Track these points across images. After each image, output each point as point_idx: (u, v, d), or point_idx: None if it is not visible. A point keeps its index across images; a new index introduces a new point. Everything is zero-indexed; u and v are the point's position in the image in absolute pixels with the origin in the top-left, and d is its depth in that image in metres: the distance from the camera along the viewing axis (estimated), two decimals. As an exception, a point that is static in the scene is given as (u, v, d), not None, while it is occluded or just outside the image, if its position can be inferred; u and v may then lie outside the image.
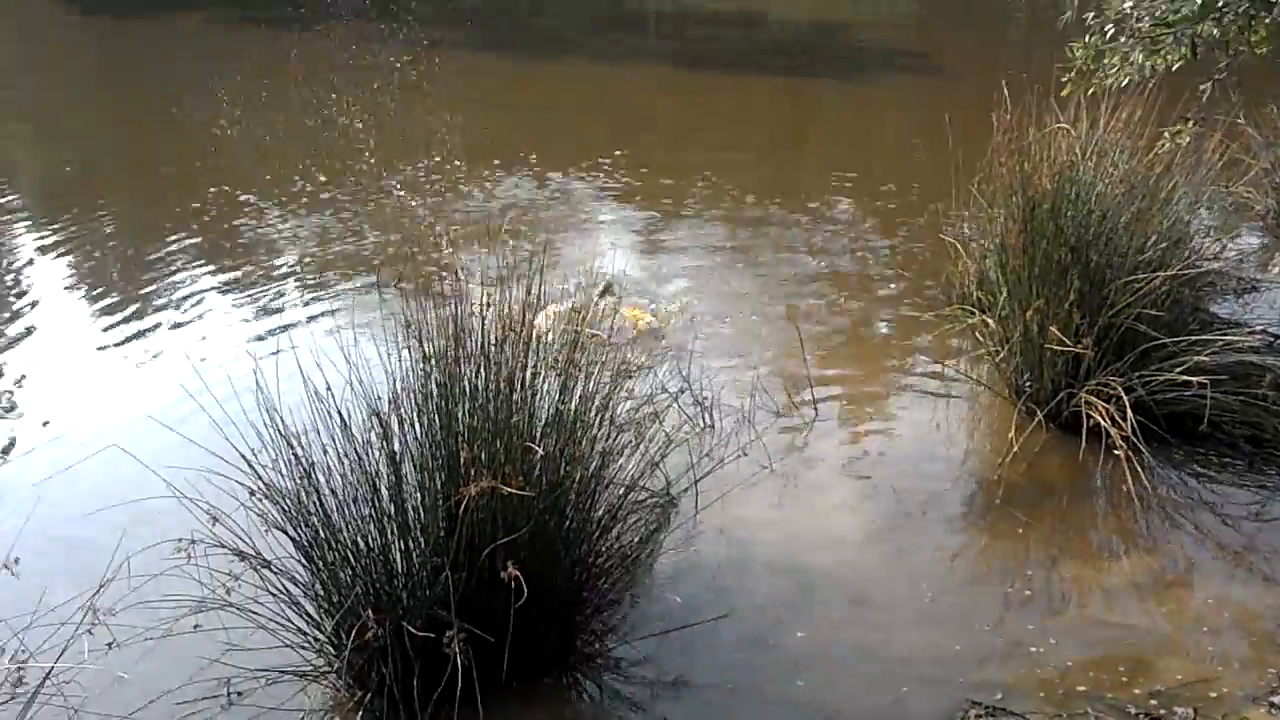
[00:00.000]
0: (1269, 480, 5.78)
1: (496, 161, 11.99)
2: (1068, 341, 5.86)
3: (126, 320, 8.02)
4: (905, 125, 14.59)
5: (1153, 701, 4.20)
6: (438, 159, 12.16)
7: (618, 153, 12.21)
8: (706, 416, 6.19)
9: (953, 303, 7.33)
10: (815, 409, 6.49)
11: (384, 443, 4.16)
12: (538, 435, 4.27)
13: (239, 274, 8.89)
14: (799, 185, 11.62)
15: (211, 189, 10.98)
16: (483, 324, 4.34)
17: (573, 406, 4.40)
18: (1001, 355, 6.48)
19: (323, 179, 11.45)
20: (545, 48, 20.29)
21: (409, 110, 15.28)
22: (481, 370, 4.24)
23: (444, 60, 18.25)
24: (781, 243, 9.64)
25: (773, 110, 15.87)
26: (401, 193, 11.01)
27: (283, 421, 4.16)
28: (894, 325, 7.91)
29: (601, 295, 8.09)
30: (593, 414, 4.46)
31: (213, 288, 8.61)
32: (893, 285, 8.51)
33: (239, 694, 4.15)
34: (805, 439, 6.21)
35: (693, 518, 5.21)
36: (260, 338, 7.54)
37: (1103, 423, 5.60)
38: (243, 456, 4.12)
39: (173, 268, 9.07)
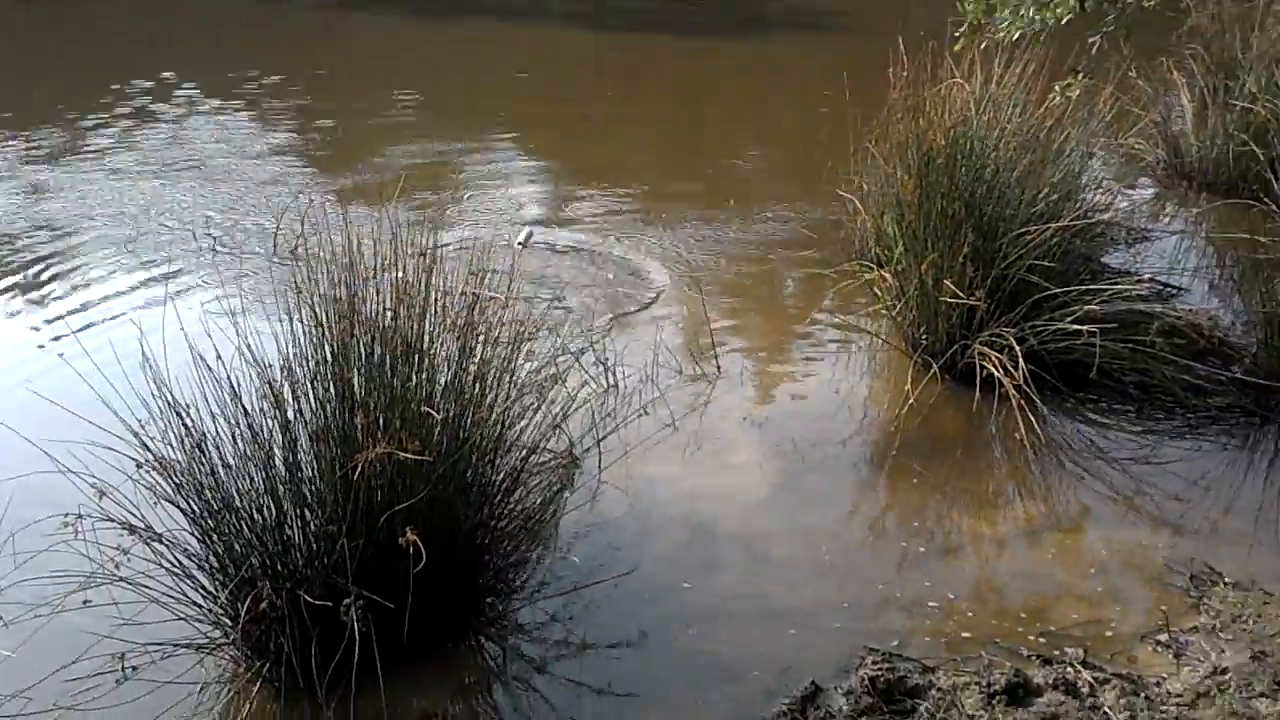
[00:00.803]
0: (1157, 425, 5.94)
1: (386, 122, 11.81)
2: (961, 294, 5.95)
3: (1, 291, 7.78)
4: (810, 83, 14.65)
5: (1043, 641, 4.30)
6: (329, 124, 11.95)
7: (515, 110, 12.10)
8: (609, 376, 6.19)
9: (851, 259, 7.41)
10: (718, 366, 6.52)
11: (277, 411, 4.08)
12: (437, 399, 4.23)
13: (120, 241, 8.65)
14: (701, 143, 11.64)
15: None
16: (377, 288, 4.28)
17: (472, 370, 4.37)
18: (898, 309, 6.57)
19: (210, 145, 11.19)
20: (434, 5, 19.98)
21: (291, 72, 14.94)
22: (376, 335, 4.18)
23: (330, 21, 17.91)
24: (682, 201, 9.64)
25: (675, 68, 15.85)
26: (293, 159, 10.81)
27: (170, 393, 4.07)
28: (794, 282, 7.98)
29: (524, 244, 8.12)
30: (492, 377, 4.43)
31: (92, 255, 8.37)
32: (793, 243, 8.56)
33: (133, 668, 4.05)
34: (708, 396, 6.25)
35: (596, 477, 5.22)
36: (145, 306, 7.31)
37: (996, 373, 5.71)
38: (129, 428, 4.01)
39: (49, 233, 8.79)
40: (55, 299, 7.58)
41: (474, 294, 4.60)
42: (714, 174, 10.16)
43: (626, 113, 12.52)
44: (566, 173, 10.68)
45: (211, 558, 4.05)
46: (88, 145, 11.44)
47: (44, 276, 7.95)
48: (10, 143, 11.57)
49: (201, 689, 4.05)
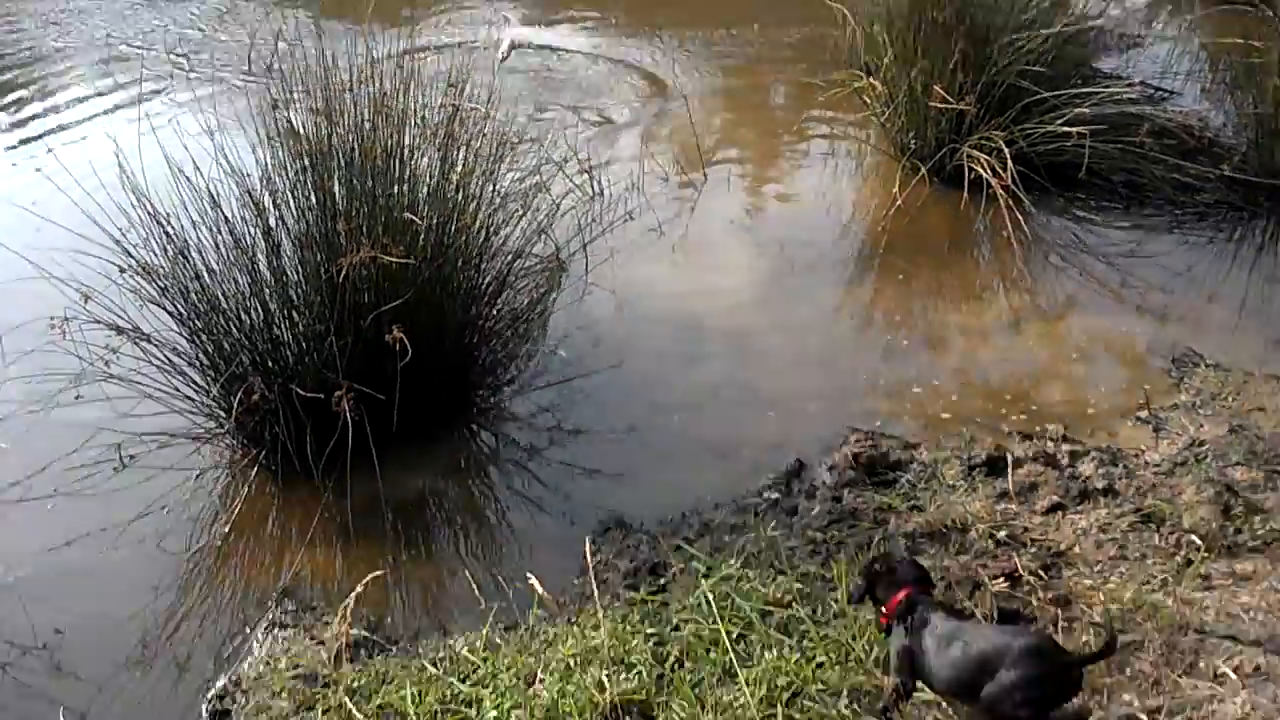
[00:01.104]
0: (1145, 221, 5.95)
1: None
2: (951, 99, 5.89)
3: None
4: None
5: (1025, 419, 4.38)
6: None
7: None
8: (594, 184, 6.14)
9: (841, 68, 7.28)
10: (705, 174, 6.48)
11: (258, 219, 4.07)
12: (421, 208, 4.21)
13: (94, 62, 8.47)
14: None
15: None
16: (354, 100, 4.23)
17: (454, 179, 4.34)
18: (887, 115, 6.50)
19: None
20: None
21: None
22: (355, 145, 4.14)
23: None
24: (670, 13, 9.43)
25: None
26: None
27: (150, 203, 4.04)
28: (783, 92, 7.90)
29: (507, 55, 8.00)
30: (475, 185, 4.41)
31: (66, 76, 8.22)
32: (783, 53, 8.41)
33: (131, 457, 4.13)
34: (694, 203, 6.23)
35: (583, 279, 5.23)
36: (121, 123, 7.04)
37: (984, 174, 5.69)
38: (111, 236, 4.00)
39: (24, 54, 8.63)
40: (32, 119, 7.50)
41: (454, 105, 4.55)
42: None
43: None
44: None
45: (201, 355, 4.09)
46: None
47: (18, 97, 7.85)
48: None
49: (199, 475, 4.14)
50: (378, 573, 3.40)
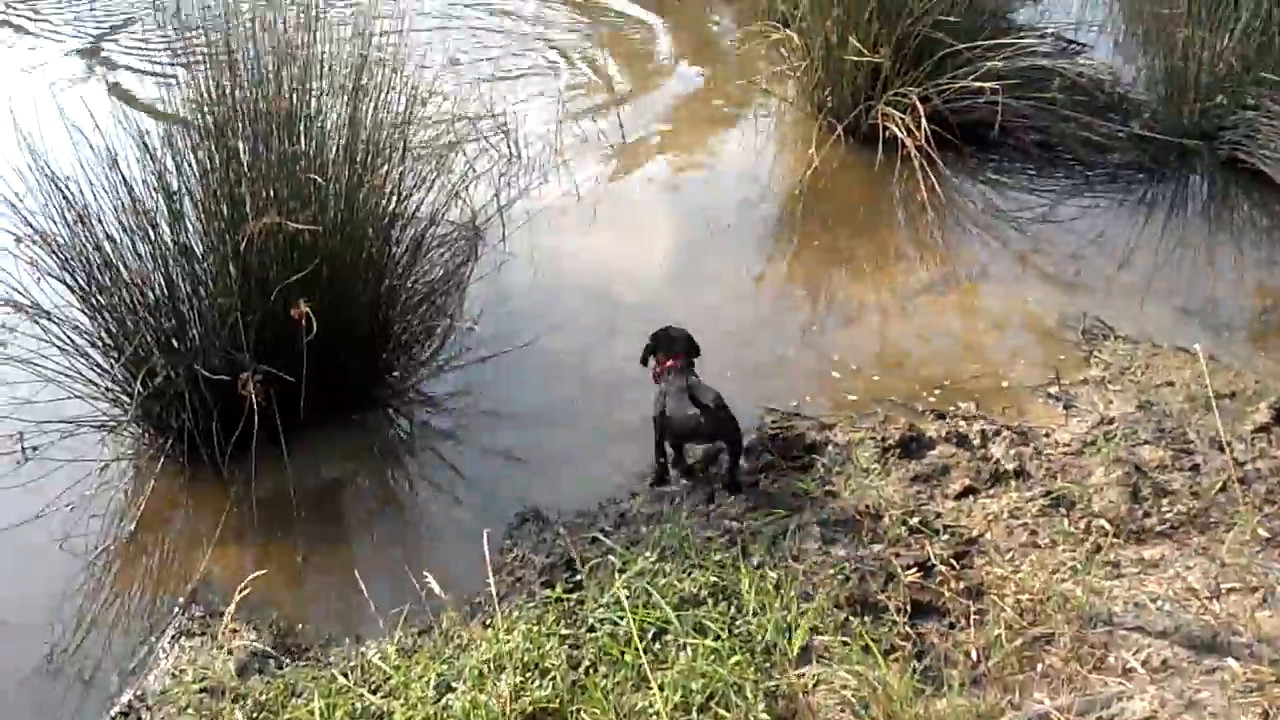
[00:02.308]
0: (1057, 184, 5.99)
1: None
2: (866, 51, 5.84)
3: None
4: None
5: (938, 397, 4.42)
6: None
7: None
8: (511, 145, 6.03)
9: (756, 18, 7.20)
10: (622, 135, 6.39)
11: (159, 181, 3.91)
12: (328, 170, 4.07)
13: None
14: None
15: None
16: (256, 48, 4.06)
17: (364, 136, 4.20)
18: (802, 69, 6.44)
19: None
20: None
21: None
22: (258, 100, 3.98)
23: None
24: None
25: None
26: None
27: (47, 164, 3.86)
28: (700, 47, 7.76)
29: None
30: (385, 144, 4.28)
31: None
32: (699, 4, 8.31)
33: (34, 448, 3.99)
34: (613, 166, 6.14)
35: (500, 248, 5.15)
36: (12, 75, 6.90)
37: (899, 133, 5.67)
38: (6, 201, 3.82)
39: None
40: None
41: (362, 55, 4.38)
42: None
43: None
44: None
45: (104, 334, 3.94)
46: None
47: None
48: None
49: (104, 468, 4.02)
50: (260, 572, 3.32)
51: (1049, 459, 4.01)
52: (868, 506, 3.73)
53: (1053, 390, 4.46)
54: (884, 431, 4.14)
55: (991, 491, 3.86)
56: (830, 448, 4.09)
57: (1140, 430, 4.15)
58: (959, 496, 3.84)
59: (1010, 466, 3.95)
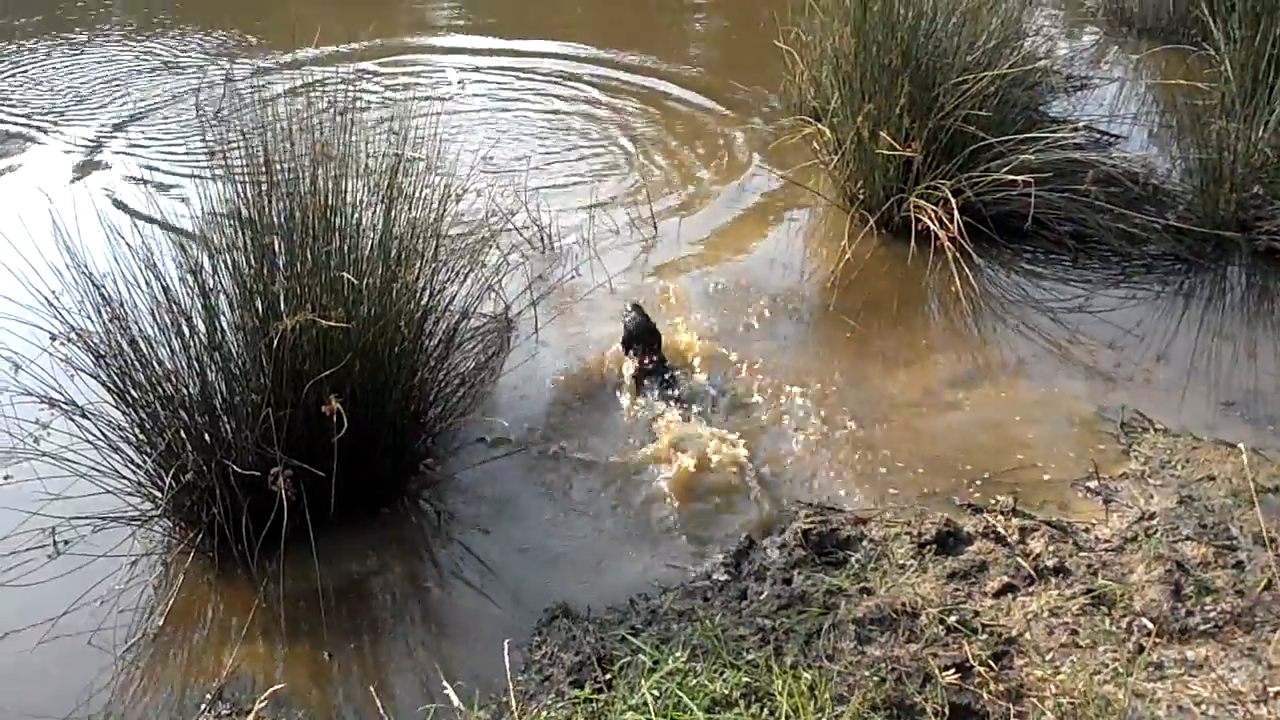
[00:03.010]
0: (1091, 274, 5.94)
1: None
2: (897, 145, 5.87)
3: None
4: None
5: (975, 491, 4.35)
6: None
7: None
8: (543, 239, 6.08)
9: (789, 113, 7.27)
10: (655, 227, 6.43)
11: (195, 280, 3.96)
12: (362, 266, 4.12)
13: (28, 110, 8.32)
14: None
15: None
16: (293, 149, 4.13)
17: (397, 234, 4.25)
18: (834, 163, 6.47)
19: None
20: None
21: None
22: (295, 200, 4.04)
23: None
24: (615, 59, 9.40)
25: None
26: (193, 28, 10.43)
27: (85, 262, 3.93)
28: (730, 138, 7.82)
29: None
30: (418, 240, 4.32)
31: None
32: (729, 97, 8.39)
33: (65, 542, 4.01)
34: (645, 257, 6.17)
35: (532, 339, 5.16)
36: (54, 175, 7.04)
37: (931, 225, 5.67)
38: (43, 299, 3.88)
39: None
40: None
41: (396, 155, 4.45)
42: (646, 39, 9.89)
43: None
44: (501, 29, 10.33)
45: (136, 430, 3.97)
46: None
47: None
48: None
49: (134, 562, 4.02)
50: (278, 686, 3.30)
51: (1089, 555, 3.92)
52: (904, 604, 3.65)
53: (1092, 484, 4.38)
54: (920, 526, 4.07)
55: (1031, 589, 3.78)
56: (865, 543, 4.03)
57: (1182, 526, 4.06)
58: (997, 594, 3.76)
59: (1050, 563, 3.87)
